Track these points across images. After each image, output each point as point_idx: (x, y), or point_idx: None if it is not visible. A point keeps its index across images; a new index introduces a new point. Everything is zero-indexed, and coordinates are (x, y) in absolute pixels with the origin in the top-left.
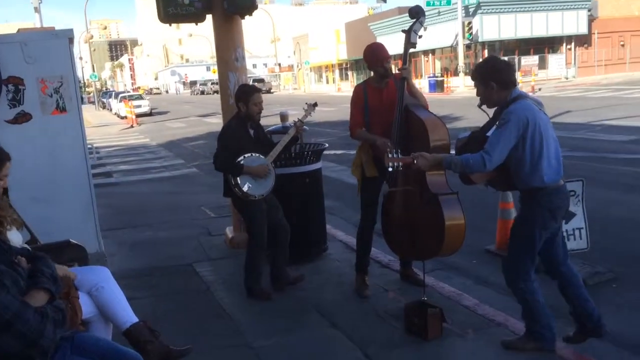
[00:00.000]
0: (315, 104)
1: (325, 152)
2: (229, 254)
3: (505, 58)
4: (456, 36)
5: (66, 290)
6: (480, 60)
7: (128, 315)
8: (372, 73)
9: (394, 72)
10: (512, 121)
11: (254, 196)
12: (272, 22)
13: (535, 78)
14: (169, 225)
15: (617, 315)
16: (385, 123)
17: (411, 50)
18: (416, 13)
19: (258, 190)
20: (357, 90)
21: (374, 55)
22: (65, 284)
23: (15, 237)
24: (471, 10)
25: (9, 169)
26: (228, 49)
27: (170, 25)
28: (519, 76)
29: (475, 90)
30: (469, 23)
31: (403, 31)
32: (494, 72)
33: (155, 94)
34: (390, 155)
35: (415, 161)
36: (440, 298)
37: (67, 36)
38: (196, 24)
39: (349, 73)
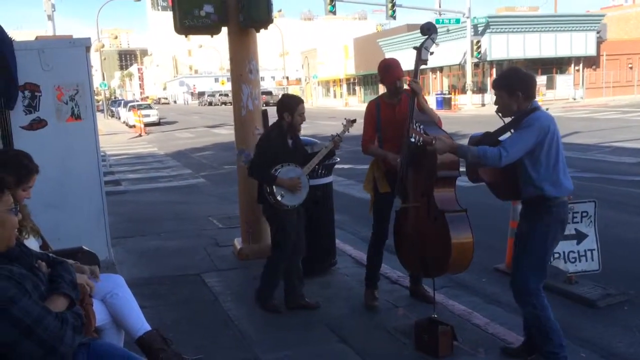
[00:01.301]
0: (355, 120)
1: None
2: (238, 265)
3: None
4: (464, 54)
5: (81, 297)
6: (500, 72)
7: (141, 323)
8: (384, 88)
9: (405, 88)
10: (536, 126)
11: (287, 206)
12: (282, 36)
13: (543, 98)
14: (177, 234)
15: (628, 337)
16: (399, 138)
17: (422, 67)
18: (427, 30)
19: (291, 201)
20: (370, 106)
21: (387, 72)
22: (80, 291)
23: (32, 245)
24: (480, 29)
25: (34, 180)
26: (242, 62)
27: (186, 36)
28: None
29: (482, 108)
30: (478, 42)
31: (414, 48)
32: (521, 83)
33: (163, 103)
34: (414, 127)
35: (433, 141)
36: (451, 316)
37: (85, 45)
38: (211, 36)
39: (357, 88)
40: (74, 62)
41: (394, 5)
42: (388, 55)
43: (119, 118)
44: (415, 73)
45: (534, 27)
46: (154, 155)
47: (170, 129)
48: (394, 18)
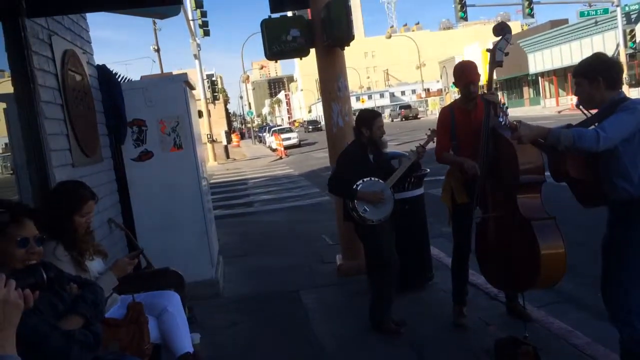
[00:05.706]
0: None
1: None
2: (336, 282)
3: None
4: (617, 46)
5: (136, 316)
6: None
7: (182, 344)
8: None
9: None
10: (638, 110)
11: (372, 220)
12: (417, 49)
13: None
14: (287, 252)
15: None
16: (475, 145)
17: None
18: (501, 30)
19: (376, 215)
20: (444, 112)
21: (462, 75)
22: (136, 309)
23: (95, 267)
24: (633, 16)
25: (93, 207)
26: (331, 80)
27: (276, 62)
28: None
29: None
30: (632, 31)
31: (487, 50)
32: (603, 68)
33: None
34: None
35: (518, 126)
36: (547, 335)
37: (182, 80)
38: (300, 59)
39: (499, 93)
40: (173, 97)
41: (530, 3)
42: (530, 56)
43: (265, 143)
44: (490, 79)
45: None
46: (289, 177)
47: (308, 150)
48: (532, 16)
